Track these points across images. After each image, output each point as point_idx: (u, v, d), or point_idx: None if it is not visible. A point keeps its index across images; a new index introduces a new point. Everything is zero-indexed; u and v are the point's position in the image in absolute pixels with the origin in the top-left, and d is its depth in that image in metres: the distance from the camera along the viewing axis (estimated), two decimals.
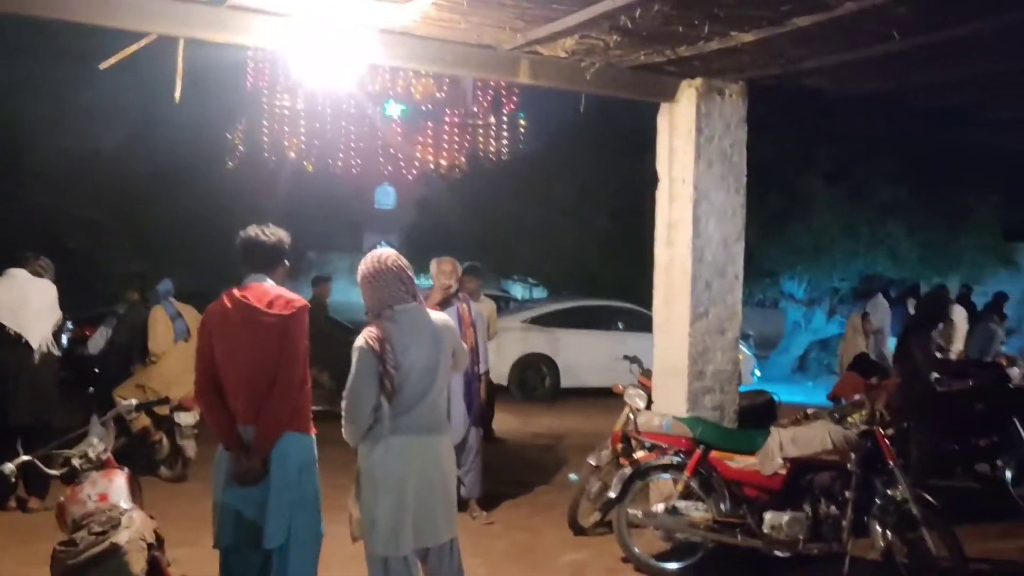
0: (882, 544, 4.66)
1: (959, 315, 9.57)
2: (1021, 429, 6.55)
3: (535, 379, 12.18)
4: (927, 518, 4.63)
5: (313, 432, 3.68)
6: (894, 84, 6.28)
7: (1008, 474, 6.58)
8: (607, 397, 6.98)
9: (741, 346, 7.84)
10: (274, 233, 3.74)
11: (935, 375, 6.67)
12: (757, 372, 13.19)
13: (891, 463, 4.75)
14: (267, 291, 3.63)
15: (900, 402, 6.09)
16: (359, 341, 3.40)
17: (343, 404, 3.40)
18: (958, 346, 9.16)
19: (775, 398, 6.37)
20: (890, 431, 4.91)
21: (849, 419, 5.01)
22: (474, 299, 6.51)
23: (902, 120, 8.70)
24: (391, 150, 35.92)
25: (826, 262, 13.85)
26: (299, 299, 3.66)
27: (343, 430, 3.39)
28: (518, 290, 22.75)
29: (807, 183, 12.51)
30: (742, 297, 6.22)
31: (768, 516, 4.88)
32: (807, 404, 7.44)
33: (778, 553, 4.89)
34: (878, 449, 4.80)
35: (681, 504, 5.12)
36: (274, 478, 3.50)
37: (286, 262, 3.80)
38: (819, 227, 12.75)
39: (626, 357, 6.76)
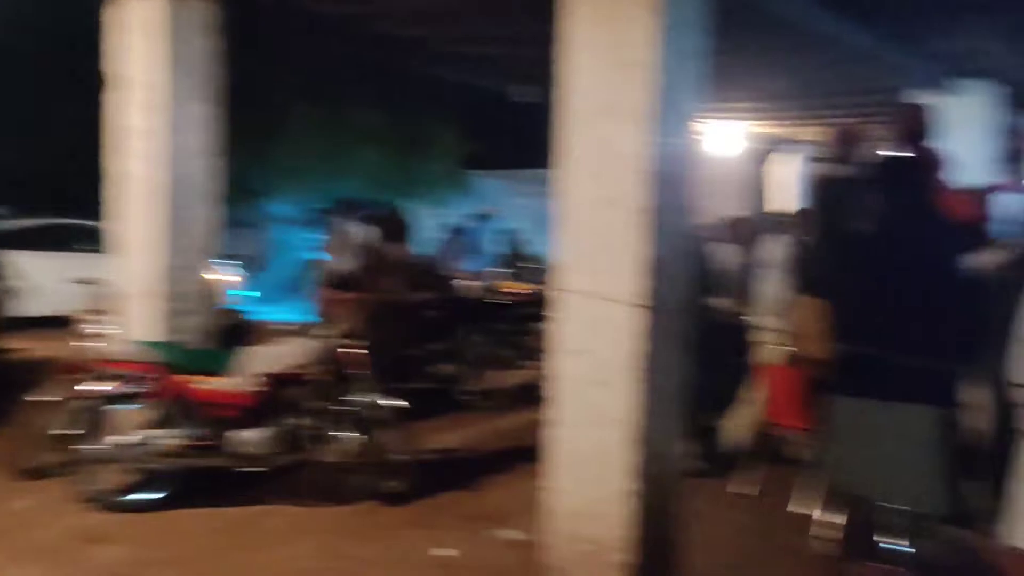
0: (349, 447, 4.98)
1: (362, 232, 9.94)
2: (467, 335, 7.52)
3: None
4: (388, 419, 5.06)
5: None
6: (361, 9, 6.51)
7: (455, 374, 7.49)
8: (65, 325, 6.28)
9: (226, 266, 7.62)
10: None
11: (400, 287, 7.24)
12: (245, 292, 13.07)
13: (358, 371, 5.07)
14: None
15: (369, 314, 6.51)
16: None
17: None
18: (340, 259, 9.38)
19: (250, 317, 6.35)
20: (359, 341, 5.22)
21: (322, 333, 5.23)
22: None
23: (379, 47, 9.12)
24: None
25: (310, 182, 14.16)
26: None
27: None
28: None
29: (290, 103, 12.56)
30: (227, 216, 6.03)
31: (242, 434, 4.89)
32: (292, 322, 7.60)
33: (254, 469, 4.94)
34: (347, 359, 5.09)
35: (151, 433, 4.86)
36: None
37: None
38: (301, 147, 12.95)
39: (83, 280, 6.12)
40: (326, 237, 9.24)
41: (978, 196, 5.34)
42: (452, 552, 4.44)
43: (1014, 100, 8.64)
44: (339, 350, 5.10)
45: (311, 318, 6.11)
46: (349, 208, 10.77)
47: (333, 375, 5.06)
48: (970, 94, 7.97)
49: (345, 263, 8.91)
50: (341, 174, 13.83)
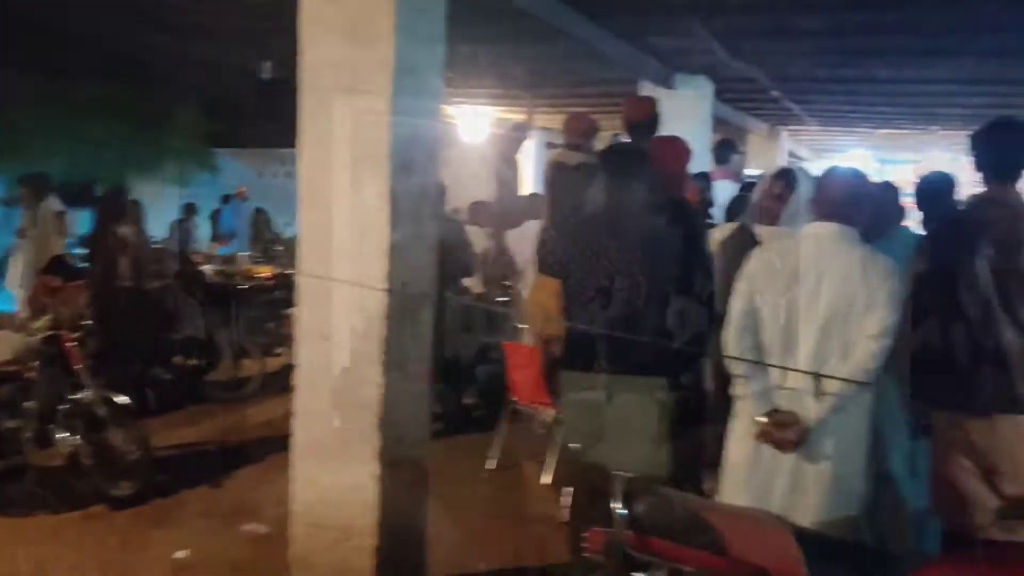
0: (67, 450, 4.55)
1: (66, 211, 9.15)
2: (214, 322, 7.10)
3: None
4: (113, 417, 4.67)
5: None
6: None
7: (202, 364, 7.05)
8: None
9: None
10: None
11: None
12: None
13: (76, 367, 4.63)
14: None
15: (92, 303, 5.97)
16: None
17: None
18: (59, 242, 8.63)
19: None
20: (78, 334, 4.77)
21: (34, 325, 4.73)
22: None
23: (109, 15, 8.36)
24: None
25: (26, 158, 12.66)
26: None
27: None
28: None
29: (6, 72, 11.14)
30: None
31: None
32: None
33: None
34: (63, 354, 4.63)
35: None
36: None
37: None
38: (18, 120, 11.58)
39: None
40: (30, 217, 8.39)
41: (696, 184, 5.85)
42: (189, 553, 4.20)
43: (723, 95, 9.57)
44: (53, 344, 4.63)
45: (20, 308, 5.49)
46: (52, 185, 9.64)
47: (49, 371, 4.59)
48: (686, 88, 8.70)
49: (60, 246, 8.13)
50: (64, 149, 12.48)
